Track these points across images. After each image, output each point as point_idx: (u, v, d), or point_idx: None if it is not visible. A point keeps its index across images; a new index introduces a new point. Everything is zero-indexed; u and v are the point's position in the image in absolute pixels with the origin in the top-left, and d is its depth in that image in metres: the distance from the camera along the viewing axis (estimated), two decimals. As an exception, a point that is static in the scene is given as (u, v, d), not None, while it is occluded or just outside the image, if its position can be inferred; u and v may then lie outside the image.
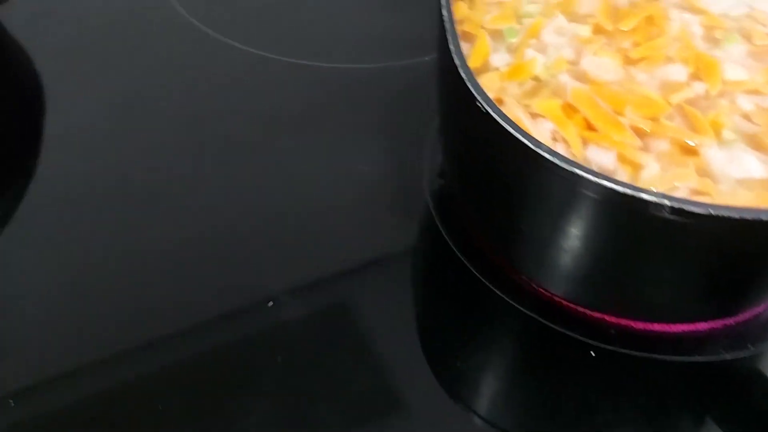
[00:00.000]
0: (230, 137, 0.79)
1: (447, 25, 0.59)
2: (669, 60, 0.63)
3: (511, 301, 0.66)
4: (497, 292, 0.66)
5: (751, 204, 0.52)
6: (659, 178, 0.54)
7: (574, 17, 0.67)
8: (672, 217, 0.49)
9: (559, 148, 0.56)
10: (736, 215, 0.48)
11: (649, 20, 0.67)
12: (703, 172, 0.55)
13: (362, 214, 0.72)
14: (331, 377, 0.60)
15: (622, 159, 0.55)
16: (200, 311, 0.65)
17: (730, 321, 0.66)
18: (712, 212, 0.48)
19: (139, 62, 0.88)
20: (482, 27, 0.66)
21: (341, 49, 0.90)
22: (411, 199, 0.74)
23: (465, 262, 0.69)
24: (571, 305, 0.65)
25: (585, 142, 0.57)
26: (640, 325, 0.65)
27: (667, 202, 0.48)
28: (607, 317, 0.65)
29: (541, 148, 0.51)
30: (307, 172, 0.76)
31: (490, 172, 0.61)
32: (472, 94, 0.55)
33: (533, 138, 0.51)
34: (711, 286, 0.57)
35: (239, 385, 0.60)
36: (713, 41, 0.65)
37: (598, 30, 0.66)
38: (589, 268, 0.60)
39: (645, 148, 0.56)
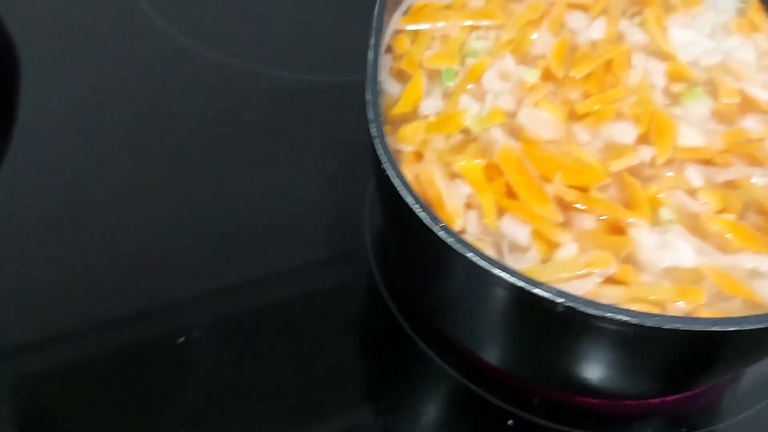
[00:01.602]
0: (177, 144, 0.76)
1: (369, 71, 0.54)
2: (619, 116, 0.57)
3: (436, 359, 0.62)
4: (424, 347, 0.62)
5: (667, 299, 0.47)
6: (573, 261, 0.49)
7: (524, 58, 0.61)
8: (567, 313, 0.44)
9: (472, 217, 0.51)
10: (634, 320, 0.43)
11: (607, 67, 0.60)
12: (627, 257, 0.50)
13: (294, 243, 0.69)
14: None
15: (538, 235, 0.50)
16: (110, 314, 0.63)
17: (666, 400, 0.61)
18: (608, 315, 0.43)
19: (102, 60, 0.85)
20: (420, 65, 0.60)
21: (308, 59, 0.85)
22: (348, 235, 0.70)
23: (393, 310, 0.65)
24: (497, 370, 0.60)
25: (501, 212, 0.52)
26: (565, 397, 0.60)
27: (560, 300, 0.43)
28: (530, 385, 0.60)
29: (435, 226, 0.46)
30: (248, 188, 0.72)
31: (400, 233, 0.56)
32: (376, 153, 0.50)
33: (428, 213, 0.47)
34: (622, 373, 0.52)
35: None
36: (674, 97, 0.59)
37: (547, 75, 0.60)
38: (500, 339, 0.56)
39: (567, 224, 0.51)
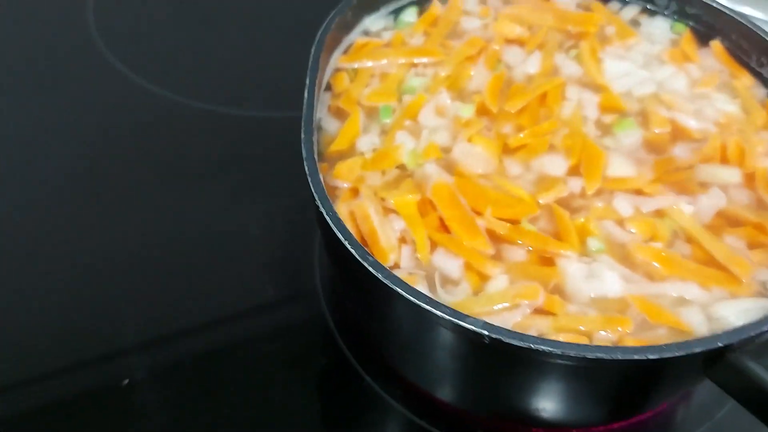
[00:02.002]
0: (128, 183, 0.77)
1: (304, 111, 0.56)
2: (551, 149, 0.59)
3: (383, 393, 0.62)
4: (371, 382, 0.63)
5: (594, 328, 0.48)
6: (503, 293, 0.50)
7: (460, 94, 0.63)
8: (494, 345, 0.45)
9: (405, 252, 0.52)
10: (556, 351, 0.43)
11: (542, 100, 0.62)
12: (556, 288, 0.51)
13: (243, 281, 0.69)
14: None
15: (469, 268, 0.51)
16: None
17: (612, 427, 0.61)
18: (532, 346, 0.44)
19: (53, 97, 0.86)
20: (359, 103, 0.61)
21: (257, 96, 0.87)
22: (298, 272, 0.70)
23: (342, 346, 0.65)
24: (441, 402, 0.61)
25: (434, 246, 0.52)
26: (509, 428, 0.60)
27: (485, 333, 0.44)
28: (475, 417, 0.60)
29: (365, 261, 0.47)
30: (196, 227, 0.73)
31: (339, 268, 0.57)
32: (311, 191, 0.51)
33: (359, 248, 0.48)
34: (558, 402, 0.53)
35: None
36: (606, 128, 0.60)
37: (482, 111, 0.61)
38: (438, 372, 0.56)
39: (497, 256, 0.52)
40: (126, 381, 0.62)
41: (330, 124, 0.60)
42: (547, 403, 0.52)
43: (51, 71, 0.89)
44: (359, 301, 0.57)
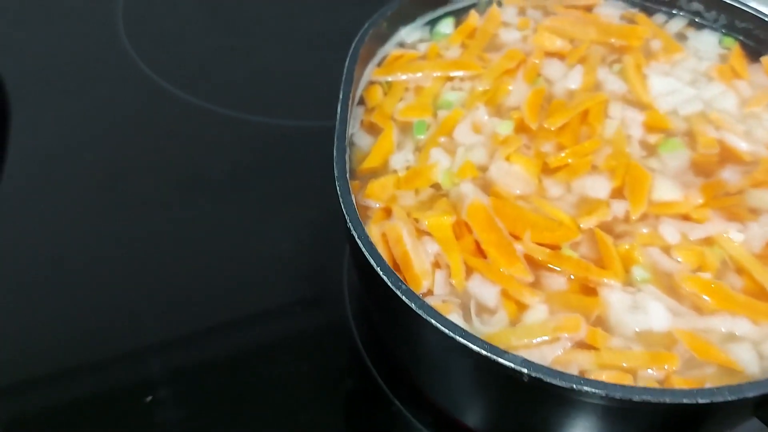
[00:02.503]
0: (155, 190, 0.76)
1: (337, 126, 0.54)
2: (594, 169, 0.56)
3: (413, 420, 0.60)
4: (398, 404, 0.61)
5: (638, 365, 0.45)
6: (542, 324, 0.47)
7: (498, 110, 0.60)
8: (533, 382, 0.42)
9: (440, 277, 0.50)
10: (601, 392, 0.41)
11: (583, 118, 0.59)
12: (598, 320, 0.48)
13: (271, 300, 0.67)
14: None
15: (507, 296, 0.49)
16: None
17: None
18: (575, 387, 0.41)
19: (80, 102, 0.85)
20: (392, 118, 0.59)
21: (290, 105, 0.85)
22: (325, 289, 0.68)
23: (371, 367, 0.63)
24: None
25: (470, 271, 0.50)
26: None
27: (525, 371, 0.42)
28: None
29: (398, 290, 0.45)
30: (222, 239, 0.71)
31: (369, 291, 0.55)
32: (343, 212, 0.49)
33: (391, 275, 0.45)
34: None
35: None
36: (651, 148, 0.58)
37: (520, 128, 0.59)
38: (472, 401, 0.54)
39: (536, 284, 0.50)
40: (149, 398, 0.60)
41: (362, 140, 0.58)
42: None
43: (79, 76, 0.88)
44: (389, 325, 0.55)
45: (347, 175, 0.50)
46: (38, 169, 0.78)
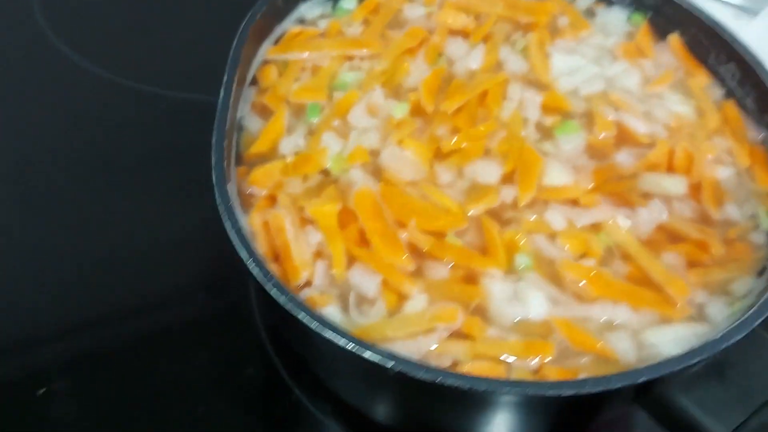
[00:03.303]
0: (54, 179, 0.73)
1: (218, 110, 0.52)
2: (486, 154, 0.55)
3: (308, 404, 0.60)
4: (298, 392, 0.60)
5: (512, 353, 0.45)
6: (419, 315, 0.47)
7: (396, 92, 0.59)
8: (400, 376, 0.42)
9: (320, 268, 0.49)
10: (465, 386, 0.41)
11: (481, 99, 0.58)
12: (478, 309, 0.47)
13: (171, 287, 0.66)
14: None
15: (387, 286, 0.48)
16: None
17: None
18: (438, 380, 0.41)
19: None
20: (286, 100, 0.58)
21: (198, 78, 0.81)
22: (230, 277, 0.67)
23: (273, 356, 0.62)
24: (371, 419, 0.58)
25: (352, 261, 0.49)
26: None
27: (390, 365, 0.41)
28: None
29: (266, 283, 0.44)
30: (124, 230, 0.69)
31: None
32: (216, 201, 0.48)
33: (261, 268, 0.44)
34: (480, 426, 0.50)
35: None
36: (547, 131, 0.57)
37: (416, 110, 0.57)
38: (360, 390, 0.54)
39: (418, 273, 0.49)
40: (42, 390, 0.59)
41: (253, 123, 0.57)
42: (470, 425, 0.50)
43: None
44: (279, 317, 0.54)
45: (224, 163, 0.49)
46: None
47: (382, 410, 0.56)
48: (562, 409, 0.47)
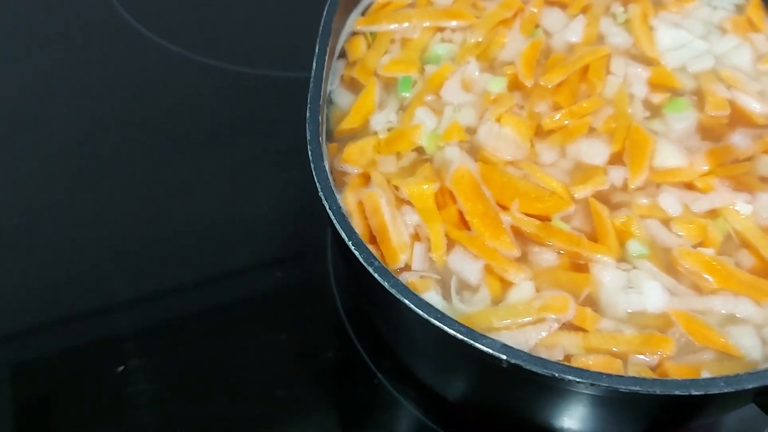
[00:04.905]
0: (129, 151, 0.72)
1: (312, 85, 0.49)
2: (591, 132, 0.52)
3: (395, 393, 0.57)
4: (380, 376, 0.58)
5: (629, 350, 0.42)
6: (527, 304, 0.44)
7: (491, 65, 0.56)
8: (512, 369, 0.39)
9: (419, 251, 0.46)
10: (585, 380, 0.38)
11: (582, 74, 0.55)
12: (588, 299, 0.44)
13: (249, 265, 0.64)
14: None
15: (490, 272, 0.45)
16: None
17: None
18: (557, 375, 0.38)
19: (53, 54, 0.81)
20: (375, 73, 0.55)
21: (277, 54, 0.79)
22: (309, 258, 0.65)
23: (354, 339, 0.60)
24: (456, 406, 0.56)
25: (451, 244, 0.46)
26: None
27: (504, 357, 0.39)
28: (492, 425, 0.55)
29: (369, 266, 0.42)
30: (201, 204, 0.67)
31: (347, 266, 0.52)
32: (314, 179, 0.45)
33: (363, 250, 0.42)
34: (583, 422, 0.47)
35: None
36: (655, 109, 0.53)
37: (514, 85, 0.54)
38: (454, 379, 0.51)
39: (523, 259, 0.46)
40: (121, 368, 0.57)
41: (342, 98, 0.54)
42: (573, 423, 0.47)
43: (56, 25, 0.83)
44: (367, 299, 0.52)
45: (320, 139, 0.47)
46: (10, 123, 0.74)
47: (468, 396, 0.54)
48: (672, 407, 0.44)
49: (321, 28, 0.52)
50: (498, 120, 0.51)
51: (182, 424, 0.56)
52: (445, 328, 0.39)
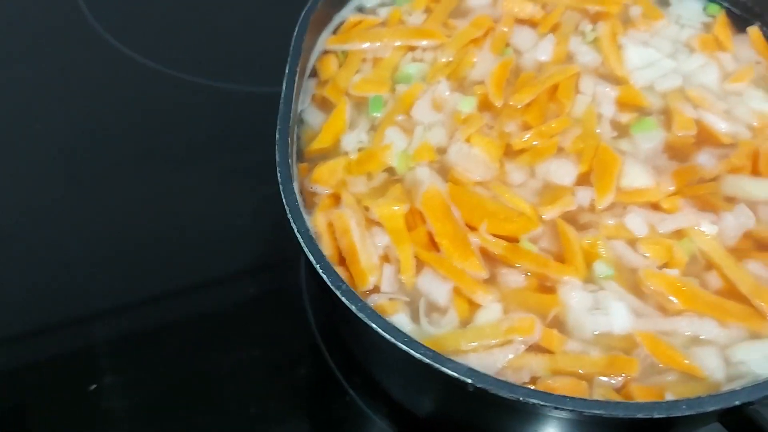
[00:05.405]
0: (107, 165, 0.72)
1: (281, 106, 0.49)
2: (560, 152, 0.52)
3: (363, 405, 0.58)
4: (353, 393, 0.58)
5: (594, 372, 0.42)
6: (494, 326, 0.44)
7: (461, 84, 0.56)
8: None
9: (388, 272, 0.47)
10: (549, 404, 0.38)
11: (552, 93, 0.55)
12: (555, 320, 0.45)
13: (222, 281, 0.64)
14: None
15: (459, 294, 0.45)
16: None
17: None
18: (521, 399, 0.38)
19: (34, 69, 0.80)
20: (347, 93, 0.55)
21: (253, 69, 0.79)
22: (282, 273, 0.65)
23: (327, 355, 0.60)
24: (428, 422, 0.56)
25: (421, 265, 0.47)
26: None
27: (469, 381, 0.39)
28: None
29: (337, 290, 0.42)
30: (175, 217, 0.68)
31: (318, 286, 0.52)
32: (282, 202, 0.45)
33: (330, 273, 0.42)
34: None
35: None
36: (623, 128, 0.54)
37: (484, 105, 0.55)
38: (423, 398, 0.52)
39: (491, 280, 0.46)
40: (94, 386, 0.57)
41: (313, 117, 0.54)
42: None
43: (37, 41, 0.83)
44: (340, 319, 0.52)
45: (290, 160, 0.47)
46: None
47: (438, 414, 0.54)
48: (637, 428, 0.44)
49: (291, 48, 0.52)
50: (468, 140, 0.52)
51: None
52: (412, 353, 0.40)
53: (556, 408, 0.38)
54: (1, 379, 0.59)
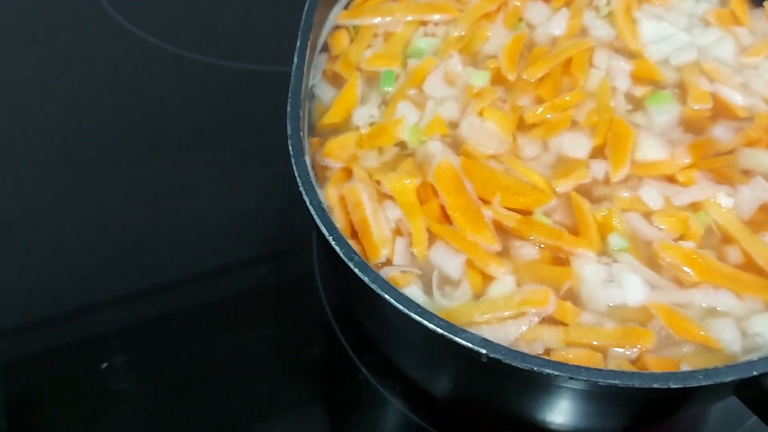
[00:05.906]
0: (112, 149, 0.71)
1: (293, 79, 0.49)
2: (573, 126, 0.52)
3: (376, 384, 0.57)
4: (365, 371, 0.58)
5: (609, 343, 0.42)
6: (507, 298, 0.44)
7: (474, 59, 0.56)
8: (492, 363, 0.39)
9: (400, 245, 0.46)
10: (564, 374, 0.38)
11: (565, 67, 0.54)
12: (569, 293, 0.44)
13: (233, 262, 0.64)
14: None
15: (471, 266, 0.45)
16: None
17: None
18: (536, 369, 0.38)
19: (36, 51, 0.80)
20: (358, 68, 0.55)
21: (257, 47, 0.79)
22: (294, 253, 0.65)
23: (339, 334, 0.60)
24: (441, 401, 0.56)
25: (433, 239, 0.46)
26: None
27: (483, 351, 0.39)
28: (475, 420, 0.55)
29: (350, 261, 0.42)
30: (184, 199, 0.67)
31: (330, 260, 0.52)
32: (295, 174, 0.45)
33: (343, 245, 0.42)
34: (565, 414, 0.47)
35: None
36: (637, 101, 0.53)
37: (497, 79, 0.54)
38: (436, 374, 0.51)
39: (504, 253, 0.46)
40: (104, 365, 0.57)
41: (324, 92, 0.54)
42: (556, 417, 0.47)
43: (40, 23, 0.83)
44: (352, 295, 0.52)
45: (301, 133, 0.46)
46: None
47: (451, 390, 0.54)
48: (653, 400, 0.44)
49: (302, 21, 0.52)
50: (480, 114, 0.51)
51: (167, 420, 0.55)
52: (425, 323, 0.39)
53: (571, 378, 0.38)
54: (16, 368, 0.59)
